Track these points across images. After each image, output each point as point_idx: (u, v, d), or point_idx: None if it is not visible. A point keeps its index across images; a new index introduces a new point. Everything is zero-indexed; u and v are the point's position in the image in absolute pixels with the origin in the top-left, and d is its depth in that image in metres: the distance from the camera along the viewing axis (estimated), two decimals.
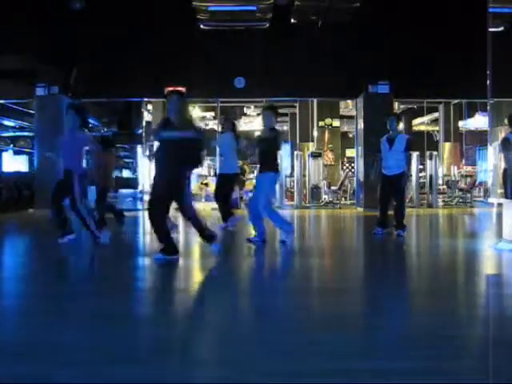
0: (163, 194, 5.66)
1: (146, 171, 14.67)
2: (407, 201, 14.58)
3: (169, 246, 5.69)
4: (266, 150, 6.82)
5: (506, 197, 7.76)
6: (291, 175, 15.81)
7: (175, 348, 3.02)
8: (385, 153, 7.93)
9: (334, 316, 3.66)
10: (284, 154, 17.84)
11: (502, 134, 16.06)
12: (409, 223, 10.25)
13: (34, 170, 13.97)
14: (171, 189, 5.68)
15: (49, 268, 5.73)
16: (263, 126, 7.11)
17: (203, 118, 20.80)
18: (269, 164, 6.78)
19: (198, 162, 5.98)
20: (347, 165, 18.75)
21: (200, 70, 13.01)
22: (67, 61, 13.19)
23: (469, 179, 16.30)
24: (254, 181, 7.38)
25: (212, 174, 16.38)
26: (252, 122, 21.47)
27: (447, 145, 18.90)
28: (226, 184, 8.80)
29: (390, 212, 8.10)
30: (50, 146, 13.10)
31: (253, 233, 7.20)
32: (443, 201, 15.22)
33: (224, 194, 8.73)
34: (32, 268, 5.93)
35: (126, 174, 17.85)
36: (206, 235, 6.00)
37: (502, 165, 8.99)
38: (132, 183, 14.62)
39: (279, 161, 7.33)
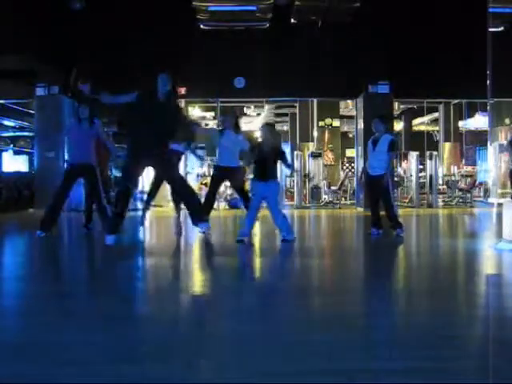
0: None
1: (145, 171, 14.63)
2: (407, 201, 14.61)
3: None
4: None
5: None
6: (291, 175, 15.80)
7: (174, 348, 3.01)
8: (370, 153, 8.01)
9: (334, 316, 3.66)
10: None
11: (502, 134, 16.11)
12: (409, 223, 10.27)
13: (34, 170, 13.98)
14: None
15: (49, 267, 5.73)
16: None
17: (203, 118, 20.81)
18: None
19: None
20: (347, 165, 18.75)
21: (200, 69, 13.01)
22: (67, 61, 13.18)
23: (469, 179, 16.29)
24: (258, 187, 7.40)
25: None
26: (252, 122, 21.49)
27: (447, 145, 18.90)
28: (225, 179, 8.32)
29: (382, 212, 8.06)
30: (50, 146, 13.19)
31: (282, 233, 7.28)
32: (443, 201, 15.22)
33: (214, 193, 8.24)
34: (32, 267, 5.93)
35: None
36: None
37: (503, 165, 9.01)
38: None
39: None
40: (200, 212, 6.05)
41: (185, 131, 6.31)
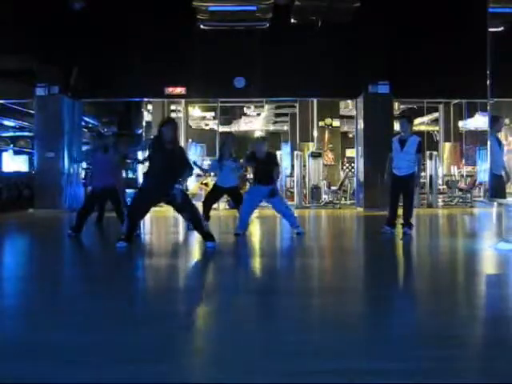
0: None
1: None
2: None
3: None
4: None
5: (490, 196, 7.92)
6: (291, 175, 15.80)
7: (174, 348, 3.02)
8: (396, 153, 8.02)
9: (335, 316, 3.66)
10: (284, 154, 17.89)
11: (501, 134, 16.06)
12: None
13: (34, 170, 13.98)
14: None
15: (50, 267, 5.74)
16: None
17: (203, 118, 20.82)
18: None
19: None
20: (347, 165, 18.74)
21: (200, 70, 13.01)
22: (67, 61, 13.19)
23: (469, 179, 16.28)
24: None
25: (212, 174, 16.36)
26: (252, 122, 21.50)
27: (447, 145, 18.89)
28: (220, 195, 9.49)
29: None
30: (50, 146, 13.19)
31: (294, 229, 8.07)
32: (443, 201, 15.22)
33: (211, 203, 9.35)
34: (34, 267, 5.93)
35: (125, 174, 17.82)
36: (205, 234, 6.68)
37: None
38: (132, 183, 14.60)
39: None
40: (207, 234, 6.69)
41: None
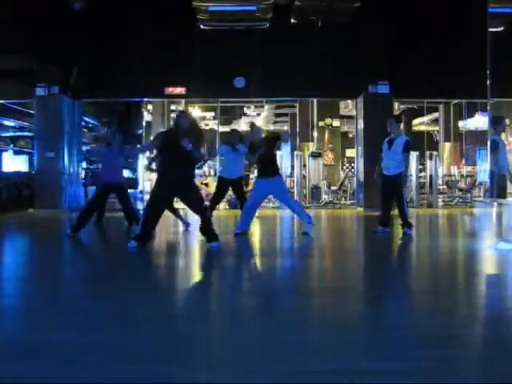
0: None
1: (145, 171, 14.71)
2: (407, 201, 14.60)
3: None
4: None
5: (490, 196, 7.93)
6: (291, 175, 15.79)
7: (174, 348, 3.01)
8: (384, 153, 8.12)
9: (335, 316, 3.66)
10: (284, 154, 17.88)
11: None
12: None
13: (34, 170, 13.98)
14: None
15: (50, 267, 5.74)
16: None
17: (203, 118, 20.80)
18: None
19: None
20: (347, 165, 18.73)
21: (200, 70, 13.01)
22: (67, 61, 13.18)
23: (469, 179, 16.28)
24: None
25: (212, 173, 16.36)
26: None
27: (447, 145, 18.87)
28: (226, 190, 9.52)
29: (393, 212, 8.21)
30: (50, 146, 13.19)
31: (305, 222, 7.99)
32: (443, 201, 15.21)
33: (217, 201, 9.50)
34: (34, 267, 5.93)
35: (125, 173, 17.81)
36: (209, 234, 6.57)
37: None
38: (132, 183, 14.59)
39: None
40: (210, 234, 6.57)
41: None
